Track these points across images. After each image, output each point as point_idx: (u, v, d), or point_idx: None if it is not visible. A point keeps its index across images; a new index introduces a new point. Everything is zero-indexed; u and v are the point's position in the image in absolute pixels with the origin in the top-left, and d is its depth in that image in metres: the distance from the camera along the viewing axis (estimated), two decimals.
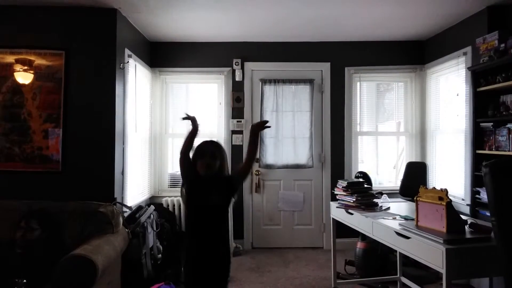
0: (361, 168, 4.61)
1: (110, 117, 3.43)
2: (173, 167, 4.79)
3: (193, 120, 2.19)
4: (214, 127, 4.69)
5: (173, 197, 4.46)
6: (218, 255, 2.10)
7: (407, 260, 3.53)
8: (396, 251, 3.19)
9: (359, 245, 3.71)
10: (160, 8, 3.53)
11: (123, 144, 3.61)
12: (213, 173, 2.09)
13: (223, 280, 2.12)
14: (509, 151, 3.01)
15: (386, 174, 4.92)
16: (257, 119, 4.60)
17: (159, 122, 4.65)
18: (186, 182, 2.15)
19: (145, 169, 4.36)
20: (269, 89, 4.62)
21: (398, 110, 4.81)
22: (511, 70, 3.02)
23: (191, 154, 2.14)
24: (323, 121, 4.66)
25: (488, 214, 2.94)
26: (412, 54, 4.65)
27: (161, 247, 3.65)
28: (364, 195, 2.97)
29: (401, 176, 4.48)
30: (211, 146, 2.14)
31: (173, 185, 4.67)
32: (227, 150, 4.55)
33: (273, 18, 3.84)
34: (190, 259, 2.11)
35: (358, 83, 4.69)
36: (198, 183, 2.10)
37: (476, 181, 3.32)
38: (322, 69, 4.69)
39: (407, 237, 2.22)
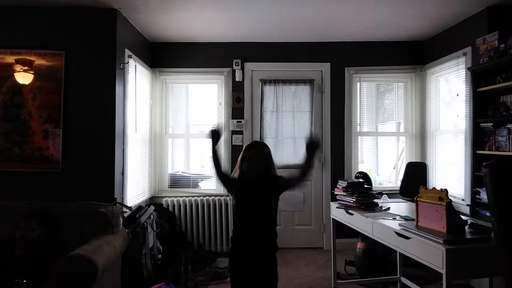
0: (361, 168, 4.61)
1: (110, 117, 3.42)
2: (173, 167, 4.79)
3: (215, 135, 2.23)
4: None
5: (173, 198, 4.46)
6: (265, 257, 2.13)
7: (407, 261, 3.52)
8: (396, 251, 3.19)
9: (359, 245, 3.71)
10: (160, 8, 3.53)
11: (123, 144, 3.61)
12: (258, 176, 2.15)
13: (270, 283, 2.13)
14: (509, 151, 3.00)
15: (386, 175, 4.92)
16: (257, 120, 4.61)
17: (159, 122, 4.65)
18: (234, 191, 2.22)
19: (145, 169, 4.35)
20: (269, 90, 4.62)
21: (398, 111, 4.81)
22: (511, 71, 3.02)
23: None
24: (323, 122, 4.66)
25: (488, 214, 2.94)
26: (412, 54, 4.65)
27: (161, 248, 3.65)
28: (364, 195, 2.97)
29: (401, 176, 4.48)
30: (256, 151, 2.20)
31: (173, 185, 4.67)
32: (227, 150, 4.56)
33: (273, 18, 3.84)
34: (235, 256, 2.16)
35: (358, 84, 4.69)
36: (246, 187, 2.15)
37: (476, 181, 3.32)
38: (322, 70, 4.69)
39: (407, 238, 2.22)
